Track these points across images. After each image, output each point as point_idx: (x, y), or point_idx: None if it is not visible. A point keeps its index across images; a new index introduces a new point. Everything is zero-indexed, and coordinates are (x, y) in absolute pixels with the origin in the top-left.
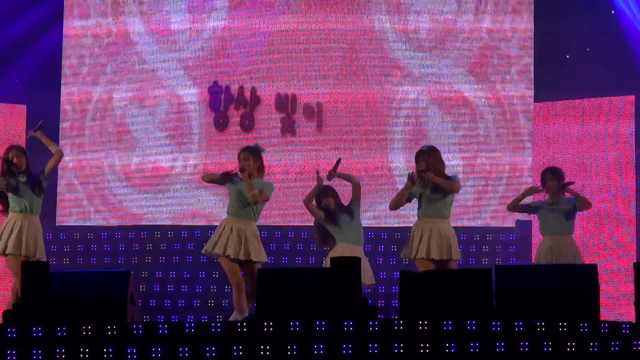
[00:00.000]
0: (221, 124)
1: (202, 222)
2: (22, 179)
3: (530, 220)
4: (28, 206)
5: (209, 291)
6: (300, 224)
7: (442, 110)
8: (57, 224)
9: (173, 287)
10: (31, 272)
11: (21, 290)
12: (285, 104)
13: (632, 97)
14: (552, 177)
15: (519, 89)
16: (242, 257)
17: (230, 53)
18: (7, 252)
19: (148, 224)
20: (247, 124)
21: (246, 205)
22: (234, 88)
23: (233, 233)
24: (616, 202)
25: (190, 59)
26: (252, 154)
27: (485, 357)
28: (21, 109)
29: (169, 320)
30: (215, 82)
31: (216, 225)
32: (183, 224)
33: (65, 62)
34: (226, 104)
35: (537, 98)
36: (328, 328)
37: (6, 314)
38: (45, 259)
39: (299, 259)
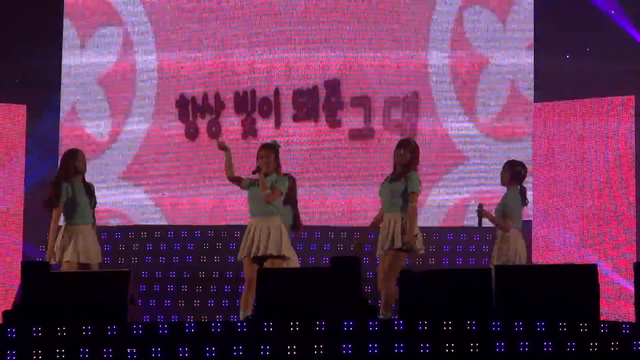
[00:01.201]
0: (191, 133)
1: (202, 222)
2: (79, 183)
3: (531, 220)
4: (86, 215)
5: (208, 291)
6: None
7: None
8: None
9: (173, 287)
10: (31, 272)
11: (21, 290)
12: (245, 102)
13: (632, 97)
14: (507, 168)
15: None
16: (260, 253)
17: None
18: (65, 260)
19: (148, 224)
20: (215, 131)
21: (261, 204)
22: (199, 97)
23: (256, 233)
24: (616, 202)
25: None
26: (273, 151)
27: (485, 357)
28: (21, 109)
29: (169, 320)
30: (182, 95)
31: (216, 225)
32: (183, 223)
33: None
34: (194, 114)
35: (537, 98)
36: (328, 328)
37: (6, 314)
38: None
39: (299, 259)
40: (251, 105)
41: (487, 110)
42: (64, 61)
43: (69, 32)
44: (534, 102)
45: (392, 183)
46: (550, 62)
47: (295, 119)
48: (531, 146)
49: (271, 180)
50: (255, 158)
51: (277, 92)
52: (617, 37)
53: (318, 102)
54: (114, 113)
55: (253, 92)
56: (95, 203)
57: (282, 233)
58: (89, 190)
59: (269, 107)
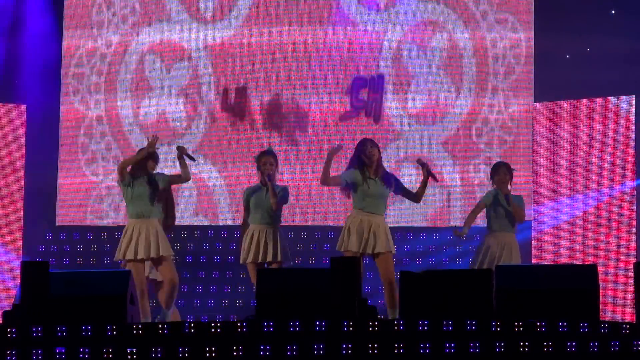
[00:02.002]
0: (197, 114)
1: (203, 222)
2: (142, 184)
3: (531, 221)
4: (145, 212)
5: (208, 291)
6: (301, 224)
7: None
8: (57, 224)
9: None
10: (31, 272)
11: (21, 290)
12: (225, 99)
13: (632, 97)
14: (507, 171)
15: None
16: (260, 259)
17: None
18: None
19: None
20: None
21: (265, 211)
22: (193, 93)
23: (254, 239)
24: (617, 202)
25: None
26: (273, 157)
27: (485, 357)
28: (21, 109)
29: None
30: (181, 89)
31: (216, 225)
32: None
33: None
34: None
35: (537, 98)
36: (328, 328)
37: (6, 314)
38: (172, 254)
39: (299, 259)
40: (230, 103)
41: (483, 95)
42: (64, 43)
43: (69, 15)
44: (534, 102)
45: (382, 187)
46: (550, 61)
47: (262, 125)
48: (532, 138)
49: (276, 189)
50: (256, 165)
51: (244, 89)
52: (618, 36)
53: (281, 116)
54: (109, 90)
55: (225, 90)
56: (158, 199)
57: (277, 238)
58: (152, 185)
59: (241, 107)
